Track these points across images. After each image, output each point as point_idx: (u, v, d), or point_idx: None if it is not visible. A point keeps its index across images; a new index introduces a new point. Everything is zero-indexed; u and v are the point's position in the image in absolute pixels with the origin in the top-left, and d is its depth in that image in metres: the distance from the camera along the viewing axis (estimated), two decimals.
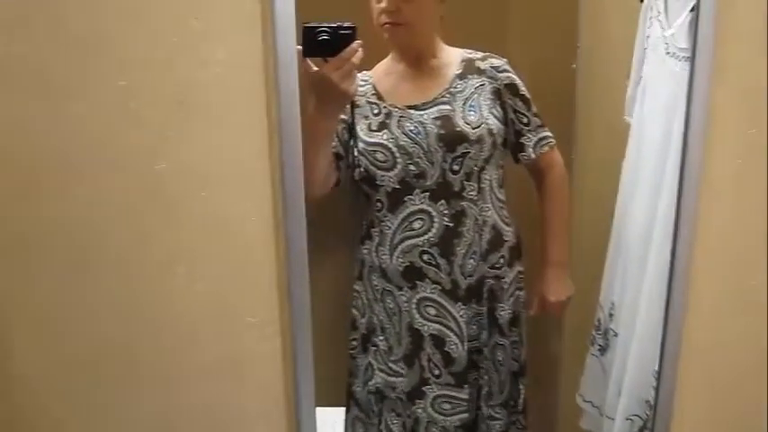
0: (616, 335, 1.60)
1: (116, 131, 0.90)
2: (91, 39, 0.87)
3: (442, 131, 1.53)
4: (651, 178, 1.45)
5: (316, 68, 1.30)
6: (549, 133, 1.68)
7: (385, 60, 1.64)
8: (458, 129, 1.53)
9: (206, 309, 0.98)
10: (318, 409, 1.09)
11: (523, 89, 1.64)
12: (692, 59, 1.03)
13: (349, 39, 1.28)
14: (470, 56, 1.64)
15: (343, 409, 1.76)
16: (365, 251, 1.63)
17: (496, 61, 1.64)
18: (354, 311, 1.68)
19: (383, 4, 1.47)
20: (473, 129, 1.54)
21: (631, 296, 1.54)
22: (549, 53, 1.89)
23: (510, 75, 1.63)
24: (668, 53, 1.42)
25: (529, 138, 1.66)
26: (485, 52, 1.65)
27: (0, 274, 0.94)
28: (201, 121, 0.92)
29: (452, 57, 1.63)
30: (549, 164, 1.71)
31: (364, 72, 1.63)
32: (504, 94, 1.62)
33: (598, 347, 1.67)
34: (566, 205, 1.73)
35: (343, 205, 1.68)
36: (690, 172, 1.08)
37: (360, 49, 1.29)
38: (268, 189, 0.95)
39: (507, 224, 1.65)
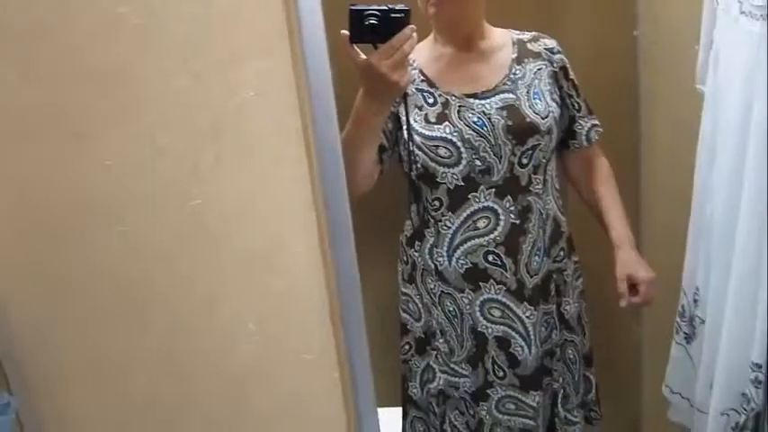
0: (703, 322, 1.48)
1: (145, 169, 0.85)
2: (109, 73, 0.81)
3: (510, 123, 1.41)
4: (733, 151, 1.32)
5: (363, 56, 1.16)
6: (597, 121, 1.58)
7: (426, 42, 1.50)
8: (528, 119, 1.42)
9: (259, 348, 0.92)
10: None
11: (572, 73, 1.54)
12: None
13: (401, 23, 1.13)
14: (520, 37, 1.52)
15: (396, 410, 1.69)
16: (415, 253, 1.52)
17: (549, 42, 1.53)
18: (405, 315, 1.60)
19: None
20: (542, 119, 1.43)
21: (718, 280, 1.41)
22: (608, 22, 1.76)
23: (563, 57, 1.53)
24: (743, 12, 1.28)
25: (581, 125, 1.55)
26: (531, 31, 1.54)
27: (47, 323, 0.90)
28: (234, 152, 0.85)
29: (502, 39, 1.51)
30: (597, 152, 1.62)
31: None
32: (559, 77, 1.51)
33: (684, 335, 1.56)
34: (618, 190, 1.63)
35: (383, 197, 1.48)
36: None
37: (414, 35, 1.15)
38: (312, 216, 0.88)
39: (563, 214, 1.56)
